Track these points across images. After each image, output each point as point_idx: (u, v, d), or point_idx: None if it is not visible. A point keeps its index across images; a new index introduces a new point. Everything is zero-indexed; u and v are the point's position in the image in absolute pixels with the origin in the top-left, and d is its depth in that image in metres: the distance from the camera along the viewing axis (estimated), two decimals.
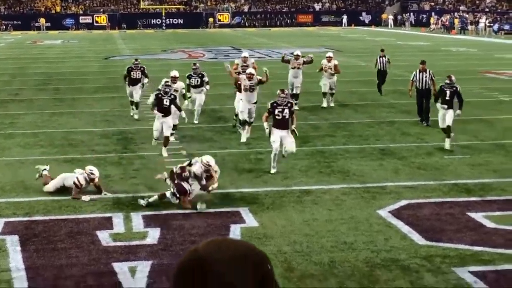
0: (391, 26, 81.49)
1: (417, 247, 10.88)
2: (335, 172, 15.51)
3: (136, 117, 22.00)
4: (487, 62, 40.35)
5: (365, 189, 14.06)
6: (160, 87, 17.71)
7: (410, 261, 10.35)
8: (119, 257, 10.55)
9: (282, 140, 15.28)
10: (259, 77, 18.67)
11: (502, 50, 49.21)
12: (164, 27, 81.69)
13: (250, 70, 19.00)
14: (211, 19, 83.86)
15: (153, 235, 11.45)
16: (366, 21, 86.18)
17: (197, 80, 21.05)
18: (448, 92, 17.91)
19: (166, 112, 17.21)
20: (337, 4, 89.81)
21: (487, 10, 79.84)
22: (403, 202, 13.22)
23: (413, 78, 21.25)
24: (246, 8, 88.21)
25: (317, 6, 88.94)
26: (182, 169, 13.15)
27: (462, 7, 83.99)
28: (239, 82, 18.98)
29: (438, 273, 9.88)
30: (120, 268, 10.10)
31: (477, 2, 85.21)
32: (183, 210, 12.76)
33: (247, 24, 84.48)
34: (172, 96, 17.33)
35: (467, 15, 75.50)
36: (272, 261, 8.89)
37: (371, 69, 20.73)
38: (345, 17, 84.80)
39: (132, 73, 22.02)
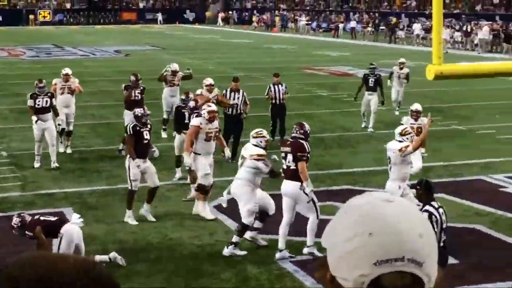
0: (219, 24, 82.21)
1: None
2: (161, 169, 15.57)
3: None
4: (306, 58, 41.75)
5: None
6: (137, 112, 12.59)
7: None
8: None
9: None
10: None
11: (320, 47, 51.05)
12: None
13: (212, 107, 12.84)
14: (31, 16, 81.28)
15: None
16: (190, 19, 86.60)
17: (46, 101, 15.59)
18: (186, 114, 14.45)
19: (145, 152, 12.38)
20: (160, 2, 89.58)
21: (306, 8, 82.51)
22: (228, 197, 13.48)
23: (268, 92, 18.41)
24: (68, 5, 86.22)
25: (141, 4, 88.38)
26: None
27: (282, 6, 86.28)
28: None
29: (261, 264, 10.21)
30: None
31: (296, 0, 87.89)
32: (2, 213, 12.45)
33: (71, 21, 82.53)
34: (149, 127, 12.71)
35: (287, 13, 77.67)
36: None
37: (196, 66, 20.51)
38: (160, 15, 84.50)
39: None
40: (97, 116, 21.72)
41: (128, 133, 12.19)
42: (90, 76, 29.24)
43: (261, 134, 11.11)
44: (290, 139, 10.96)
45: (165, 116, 18.99)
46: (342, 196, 13.38)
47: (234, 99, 16.85)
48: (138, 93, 16.97)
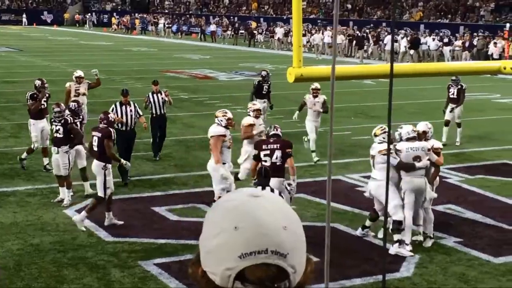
0: (89, 26, 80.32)
1: (104, 244, 11.09)
2: (20, 174, 15.21)
3: None
4: (167, 61, 41.70)
5: (51, 190, 13.97)
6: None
7: (97, 257, 10.52)
8: None
9: None
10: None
11: (181, 50, 51.08)
12: None
13: (229, 114, 12.31)
14: None
15: None
16: (48, 21, 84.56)
17: None
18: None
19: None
20: (17, 3, 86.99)
21: (166, 11, 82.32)
22: (89, 200, 13.34)
23: (147, 101, 16.51)
24: None
25: None
26: None
27: None
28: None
29: (125, 267, 10.16)
30: None
31: (156, 3, 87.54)
32: None
33: None
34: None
35: (147, 16, 77.21)
36: None
37: (55, 68, 19.74)
38: (24, 16, 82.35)
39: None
40: None
41: (113, 137, 12.21)
42: None
43: (384, 130, 11.22)
44: (273, 138, 11.47)
45: None
46: (204, 197, 13.50)
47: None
48: (44, 101, 15.53)
